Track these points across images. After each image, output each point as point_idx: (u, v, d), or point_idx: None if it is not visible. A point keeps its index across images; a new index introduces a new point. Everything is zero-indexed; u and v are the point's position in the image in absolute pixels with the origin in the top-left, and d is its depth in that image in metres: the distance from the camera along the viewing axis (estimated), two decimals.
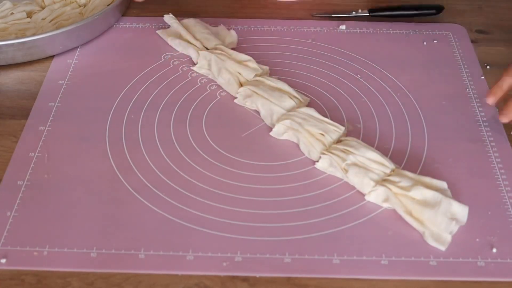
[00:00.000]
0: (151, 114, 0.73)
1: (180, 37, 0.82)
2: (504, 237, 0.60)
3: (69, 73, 0.78)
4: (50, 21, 0.85)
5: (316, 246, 0.60)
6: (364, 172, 0.64)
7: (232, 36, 0.82)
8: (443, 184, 0.63)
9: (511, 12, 0.91)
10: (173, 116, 0.73)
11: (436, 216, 0.60)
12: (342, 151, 0.66)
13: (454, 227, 0.60)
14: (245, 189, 0.65)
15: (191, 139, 0.70)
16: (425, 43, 0.84)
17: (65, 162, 0.67)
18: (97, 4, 0.87)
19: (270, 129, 0.71)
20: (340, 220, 0.62)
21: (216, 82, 0.77)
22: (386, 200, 0.63)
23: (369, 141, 0.68)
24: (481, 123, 0.72)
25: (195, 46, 0.80)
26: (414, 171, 0.65)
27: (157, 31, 0.84)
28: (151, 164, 0.67)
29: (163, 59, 0.81)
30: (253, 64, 0.76)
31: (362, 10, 0.88)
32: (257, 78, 0.75)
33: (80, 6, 0.88)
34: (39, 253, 0.59)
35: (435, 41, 0.84)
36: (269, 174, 0.66)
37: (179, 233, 0.61)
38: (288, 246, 0.60)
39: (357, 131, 0.71)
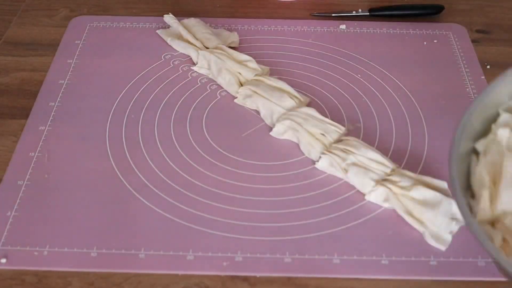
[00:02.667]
0: (151, 114, 0.73)
1: (180, 37, 0.82)
2: None
3: (69, 73, 0.78)
4: None
5: (316, 246, 0.60)
6: (364, 172, 0.64)
7: (233, 36, 0.82)
8: (444, 184, 0.62)
9: (511, 12, 0.91)
10: (173, 116, 0.73)
11: (436, 216, 0.60)
12: (342, 150, 0.66)
13: (455, 227, 0.60)
14: (245, 189, 0.65)
15: (191, 139, 0.70)
16: (425, 43, 0.84)
17: (65, 162, 0.67)
18: None
19: (270, 129, 0.71)
20: (340, 220, 0.62)
21: (216, 82, 0.77)
22: (386, 199, 0.63)
23: (369, 140, 0.68)
24: None
25: (195, 46, 0.80)
26: (414, 171, 0.65)
27: (157, 31, 0.84)
28: (151, 164, 0.67)
29: (163, 59, 0.81)
30: (253, 64, 0.76)
31: (362, 9, 0.88)
32: (257, 77, 0.75)
33: None
34: (39, 253, 0.59)
35: (435, 41, 0.84)
36: (269, 174, 0.66)
37: (179, 233, 0.61)
38: (288, 246, 0.60)
39: (357, 130, 0.71)
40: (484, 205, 0.48)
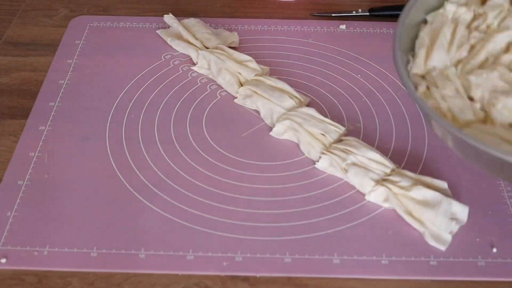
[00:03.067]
0: (151, 114, 0.73)
1: (180, 37, 0.82)
2: (505, 236, 0.60)
3: (69, 73, 0.78)
4: None
5: (316, 246, 0.60)
6: (364, 172, 0.64)
7: (233, 36, 0.82)
8: (444, 184, 0.63)
9: None
10: (173, 116, 0.73)
11: (436, 216, 0.60)
12: (342, 150, 0.66)
13: (455, 227, 0.60)
14: (245, 189, 0.65)
15: (191, 139, 0.70)
16: None
17: (65, 162, 0.67)
18: None
19: (270, 129, 0.71)
20: (340, 220, 0.62)
21: (216, 82, 0.77)
22: (386, 200, 0.63)
23: (369, 140, 0.68)
24: None
25: (195, 46, 0.80)
26: (414, 171, 0.65)
27: (157, 31, 0.84)
28: (151, 164, 0.67)
29: (163, 59, 0.81)
30: (253, 64, 0.76)
31: (362, 9, 0.88)
32: (257, 78, 0.75)
33: None
34: (39, 253, 0.59)
35: None
36: (269, 174, 0.66)
37: (179, 233, 0.61)
38: (288, 246, 0.60)
39: (357, 130, 0.71)
40: (419, 61, 0.59)
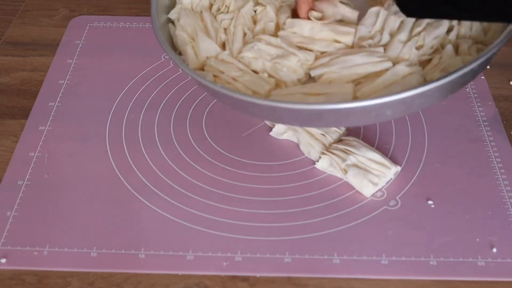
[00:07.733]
0: (151, 114, 0.73)
1: None
2: (504, 237, 0.60)
3: (69, 73, 0.78)
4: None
5: (316, 246, 0.60)
6: (364, 173, 0.64)
7: None
8: None
9: None
10: (173, 116, 0.73)
11: None
12: (342, 151, 0.66)
13: None
14: (245, 189, 0.65)
15: (191, 139, 0.70)
16: None
17: (65, 162, 0.67)
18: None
19: (270, 129, 0.71)
20: (340, 220, 0.62)
21: None
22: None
23: (369, 141, 0.68)
24: (481, 123, 0.72)
25: None
26: (414, 171, 0.65)
27: None
28: (151, 164, 0.67)
29: (163, 59, 0.81)
30: None
31: None
32: None
33: None
34: (39, 253, 0.59)
35: None
36: (269, 174, 0.66)
37: (179, 233, 0.61)
38: (288, 246, 0.60)
39: (357, 130, 0.71)
40: (191, 57, 0.61)
